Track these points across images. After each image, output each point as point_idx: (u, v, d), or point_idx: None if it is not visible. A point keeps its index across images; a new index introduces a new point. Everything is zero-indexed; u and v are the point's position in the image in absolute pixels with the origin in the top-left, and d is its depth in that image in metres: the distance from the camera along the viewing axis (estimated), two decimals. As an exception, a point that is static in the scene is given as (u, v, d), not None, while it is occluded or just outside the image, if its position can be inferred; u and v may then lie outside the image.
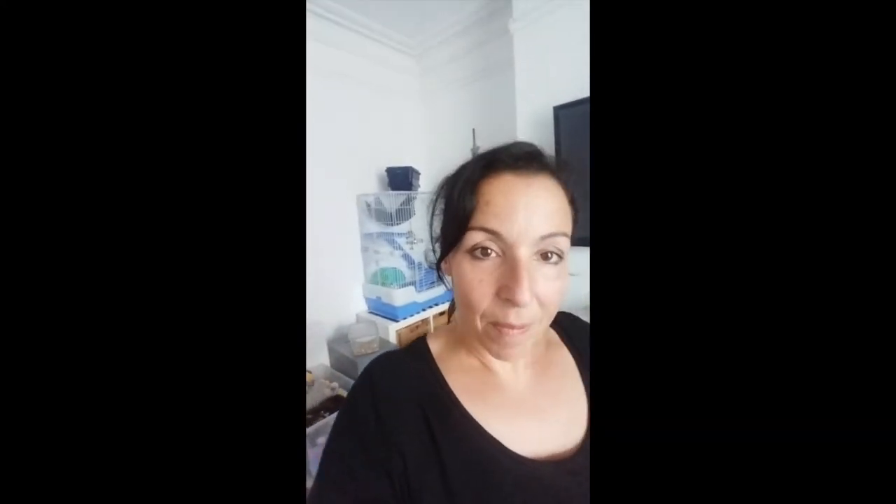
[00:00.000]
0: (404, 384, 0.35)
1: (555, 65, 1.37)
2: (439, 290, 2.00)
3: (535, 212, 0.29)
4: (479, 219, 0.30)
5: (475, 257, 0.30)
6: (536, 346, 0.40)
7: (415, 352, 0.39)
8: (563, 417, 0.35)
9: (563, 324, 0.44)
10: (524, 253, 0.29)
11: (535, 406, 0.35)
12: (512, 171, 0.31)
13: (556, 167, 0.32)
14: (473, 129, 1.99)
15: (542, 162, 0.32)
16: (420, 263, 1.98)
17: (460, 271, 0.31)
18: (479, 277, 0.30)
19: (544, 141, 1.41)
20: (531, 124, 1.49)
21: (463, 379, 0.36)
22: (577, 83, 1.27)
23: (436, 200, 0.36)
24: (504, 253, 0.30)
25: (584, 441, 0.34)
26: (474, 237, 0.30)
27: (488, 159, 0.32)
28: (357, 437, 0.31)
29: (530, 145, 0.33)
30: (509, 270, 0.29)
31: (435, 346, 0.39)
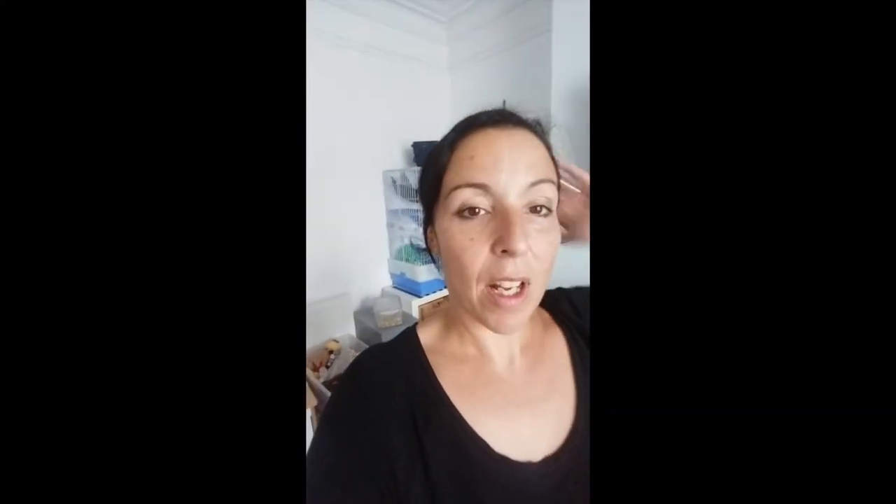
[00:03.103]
0: (390, 383, 0.33)
1: (596, 28, 1.25)
2: (463, 268, 1.99)
3: (520, 161, 0.29)
4: (465, 175, 0.29)
5: (463, 218, 0.29)
6: (532, 324, 0.39)
7: (403, 345, 0.37)
8: (554, 408, 0.34)
9: (557, 304, 0.42)
10: (514, 202, 0.28)
11: (527, 397, 0.34)
12: (492, 126, 0.30)
13: (531, 122, 0.33)
14: (504, 101, 1.89)
15: (518, 118, 0.32)
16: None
17: (449, 235, 0.30)
18: (469, 236, 0.29)
19: (580, 114, 1.32)
20: (567, 96, 1.39)
21: (454, 371, 0.34)
22: (620, 48, 1.16)
23: (422, 178, 0.35)
24: (493, 207, 0.29)
25: (572, 432, 0.33)
26: (461, 195, 0.29)
27: (467, 122, 0.32)
28: (341, 441, 0.30)
29: (506, 109, 0.33)
30: (501, 221, 0.28)
31: (425, 336, 0.37)
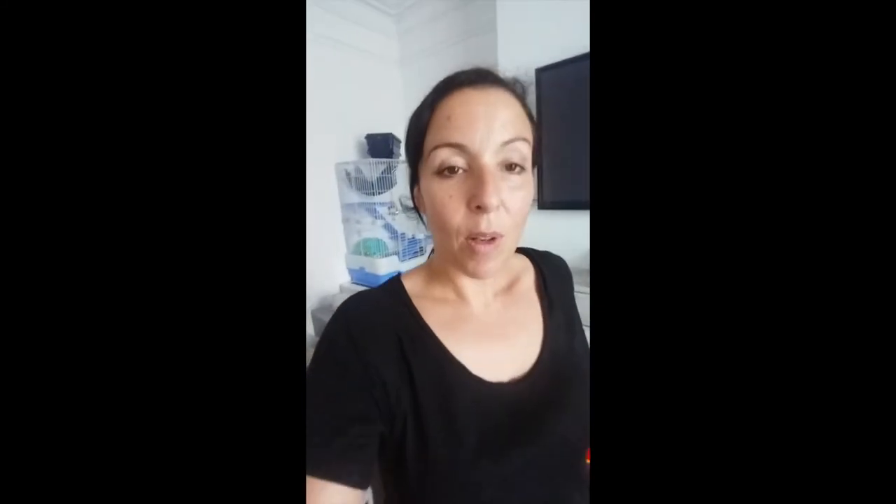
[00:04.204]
0: (379, 315, 0.36)
1: (538, 25, 1.32)
2: (422, 260, 2.01)
3: (495, 119, 0.30)
4: (443, 135, 0.31)
5: (443, 177, 0.31)
6: (508, 272, 0.43)
7: (389, 289, 0.40)
8: (523, 343, 0.39)
9: (537, 258, 0.47)
10: (488, 161, 0.30)
11: (501, 333, 0.38)
12: (469, 85, 0.32)
13: (509, 81, 0.34)
14: (455, 95, 1.92)
15: (496, 77, 0.34)
16: (403, 234, 1.97)
17: (430, 193, 0.32)
18: (448, 193, 0.31)
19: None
20: (513, 89, 1.46)
21: (437, 311, 0.38)
22: (560, 44, 1.24)
23: (406, 139, 0.37)
24: (470, 166, 0.31)
25: (536, 363, 0.38)
26: (440, 155, 0.31)
27: (447, 81, 0.33)
28: (336, 364, 0.33)
29: (484, 68, 0.35)
30: (476, 179, 0.30)
31: (409, 283, 0.41)
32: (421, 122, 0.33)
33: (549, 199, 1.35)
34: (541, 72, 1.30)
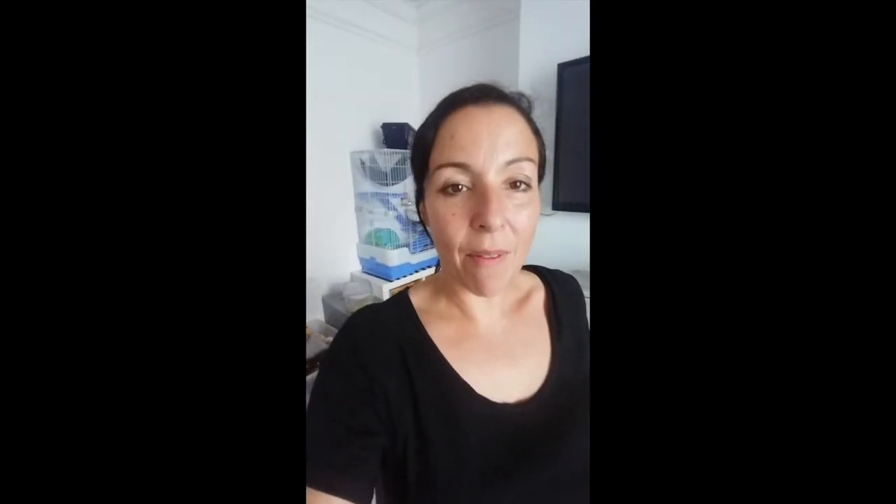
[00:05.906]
0: (384, 329, 0.36)
1: (563, 18, 1.28)
2: (432, 253, 2.01)
3: (499, 138, 0.30)
4: (447, 154, 0.31)
5: (447, 194, 0.31)
6: (517, 290, 0.43)
7: (396, 303, 0.40)
8: (530, 364, 0.38)
9: (548, 277, 0.46)
10: (492, 179, 0.30)
11: (507, 353, 0.38)
12: (473, 103, 0.31)
13: (514, 97, 0.34)
14: (473, 86, 1.89)
15: (500, 93, 0.33)
16: (415, 225, 1.97)
17: (434, 210, 0.32)
18: (451, 211, 0.31)
19: (546, 99, 1.36)
20: (533, 81, 1.42)
21: (442, 327, 0.38)
22: (584, 39, 1.20)
23: (412, 156, 0.37)
24: (474, 185, 0.31)
25: (543, 386, 0.37)
26: (444, 174, 0.31)
27: (451, 99, 0.33)
28: (338, 375, 0.33)
29: (488, 84, 0.34)
30: (480, 198, 0.30)
31: (416, 298, 0.41)
32: (426, 141, 0.33)
33: (564, 200, 1.32)
34: (563, 67, 1.26)
